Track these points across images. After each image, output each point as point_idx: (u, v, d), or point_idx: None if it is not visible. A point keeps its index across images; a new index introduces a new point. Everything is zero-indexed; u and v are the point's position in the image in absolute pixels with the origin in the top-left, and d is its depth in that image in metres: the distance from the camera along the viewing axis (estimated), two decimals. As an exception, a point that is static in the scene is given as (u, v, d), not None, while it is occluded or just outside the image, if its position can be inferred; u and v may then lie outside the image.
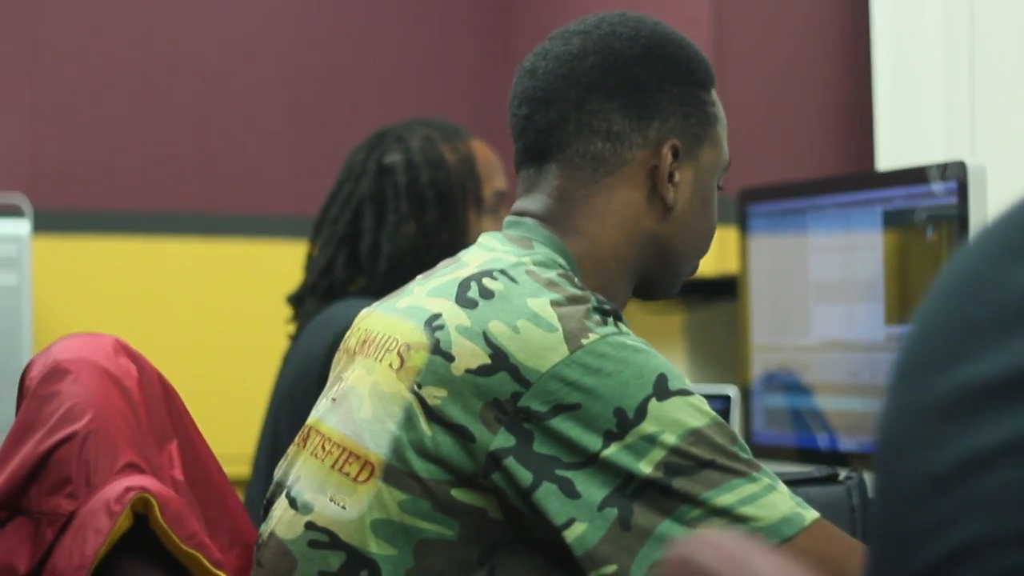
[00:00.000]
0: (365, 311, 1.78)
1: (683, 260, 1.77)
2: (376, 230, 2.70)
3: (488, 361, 1.54)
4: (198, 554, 1.53)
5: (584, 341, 1.54)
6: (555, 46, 1.75)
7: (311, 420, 1.71)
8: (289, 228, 4.19)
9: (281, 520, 1.65)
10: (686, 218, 1.74)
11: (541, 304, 1.57)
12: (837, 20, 3.71)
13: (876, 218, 2.41)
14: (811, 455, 2.55)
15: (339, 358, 1.76)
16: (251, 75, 4.29)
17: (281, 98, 4.32)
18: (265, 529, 1.68)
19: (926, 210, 2.30)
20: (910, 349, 0.90)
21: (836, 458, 2.49)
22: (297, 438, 1.73)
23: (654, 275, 1.77)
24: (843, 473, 1.92)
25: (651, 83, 1.72)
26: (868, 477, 1.94)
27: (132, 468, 1.54)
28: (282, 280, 4.01)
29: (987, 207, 2.22)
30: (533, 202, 1.74)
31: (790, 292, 2.64)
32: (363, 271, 2.71)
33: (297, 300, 2.82)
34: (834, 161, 3.68)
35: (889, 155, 3.42)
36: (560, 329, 1.55)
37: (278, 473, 1.73)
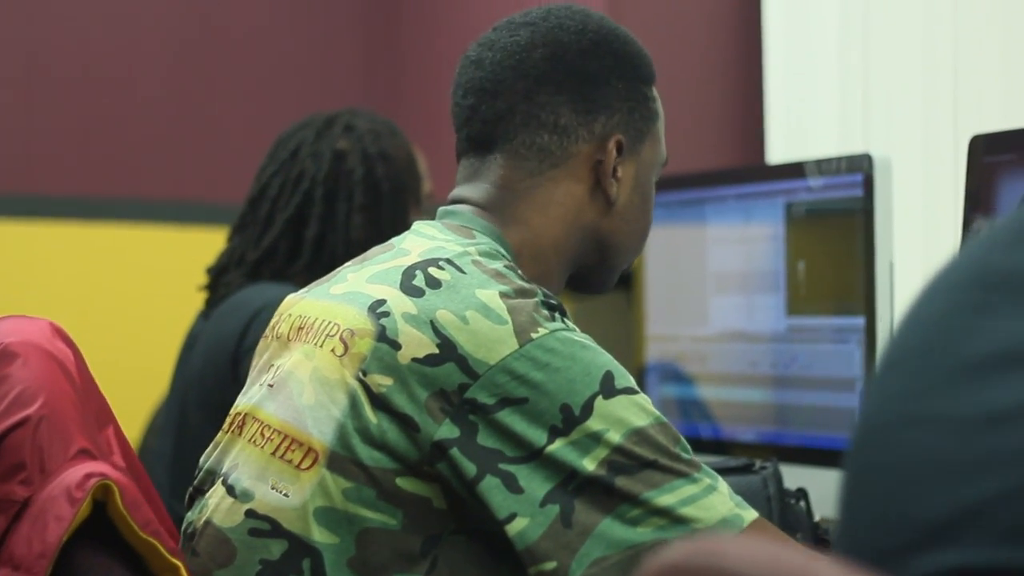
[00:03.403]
0: (293, 297, 1.75)
1: (620, 255, 1.78)
2: (324, 218, 2.63)
3: (435, 351, 1.53)
4: (155, 542, 1.51)
5: (534, 335, 1.54)
6: (502, 37, 1.74)
7: (245, 407, 1.68)
8: (166, 214, 4.14)
9: (218, 508, 1.62)
10: (626, 213, 1.75)
11: (490, 295, 1.56)
12: (729, 10, 3.73)
13: (778, 209, 2.42)
14: (708, 445, 2.56)
15: (267, 344, 1.73)
16: (133, 60, 4.23)
17: (163, 84, 4.26)
18: (197, 517, 1.65)
19: (830, 202, 2.32)
20: (911, 336, 0.90)
21: (735, 449, 2.50)
22: (227, 425, 1.69)
23: (591, 268, 1.78)
24: (758, 463, 1.93)
25: (599, 77, 1.73)
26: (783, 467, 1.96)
27: (85, 454, 1.52)
28: (159, 265, 3.96)
29: (892, 199, 2.24)
30: (473, 190, 1.74)
31: (687, 283, 2.64)
32: (301, 257, 2.65)
33: (219, 271, 2.70)
34: (726, 153, 3.70)
35: (780, 148, 3.46)
36: (510, 322, 1.54)
37: (206, 461, 1.70)
